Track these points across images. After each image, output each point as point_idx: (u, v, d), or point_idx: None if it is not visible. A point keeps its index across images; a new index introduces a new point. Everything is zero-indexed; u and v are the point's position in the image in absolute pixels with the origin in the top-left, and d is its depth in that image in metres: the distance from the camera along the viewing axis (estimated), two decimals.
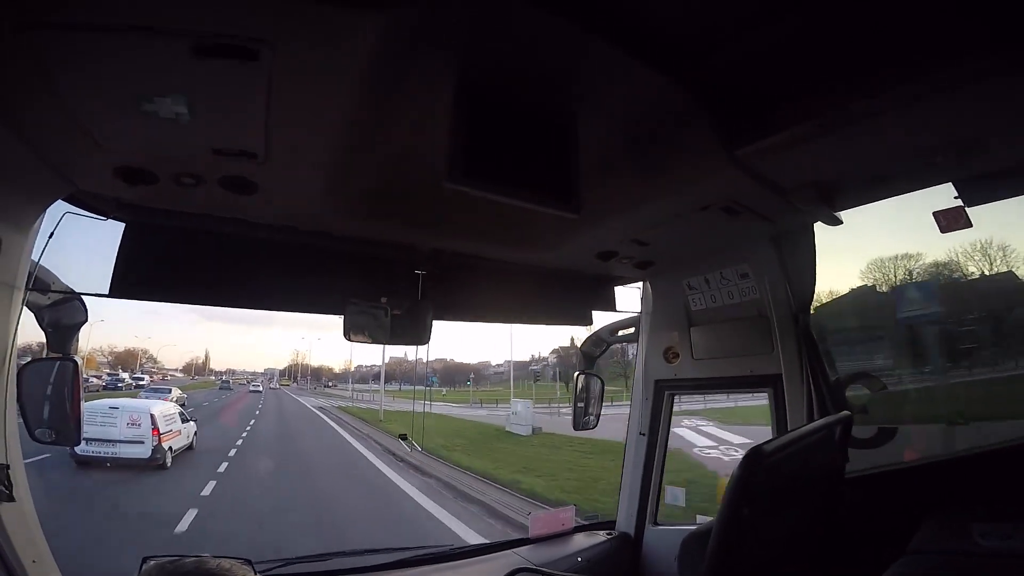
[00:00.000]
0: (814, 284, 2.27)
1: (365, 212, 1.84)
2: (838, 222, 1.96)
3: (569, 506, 2.93)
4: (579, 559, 2.56)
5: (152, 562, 1.05)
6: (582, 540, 2.77)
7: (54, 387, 1.75)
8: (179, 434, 14.25)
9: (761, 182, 1.69)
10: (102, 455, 11.90)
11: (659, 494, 2.78)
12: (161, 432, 12.74)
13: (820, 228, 2.17)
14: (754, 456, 1.18)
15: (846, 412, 1.72)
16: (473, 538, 8.03)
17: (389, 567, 2.27)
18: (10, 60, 1.03)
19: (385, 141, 1.41)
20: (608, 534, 2.82)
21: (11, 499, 1.61)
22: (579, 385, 2.99)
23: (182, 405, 19.38)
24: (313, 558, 2.24)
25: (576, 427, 2.95)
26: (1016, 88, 1.21)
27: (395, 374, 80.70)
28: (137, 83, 1.12)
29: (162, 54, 1.03)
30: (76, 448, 11.01)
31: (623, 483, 2.88)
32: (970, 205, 1.74)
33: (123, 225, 1.77)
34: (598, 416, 2.99)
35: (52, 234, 1.71)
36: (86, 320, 1.91)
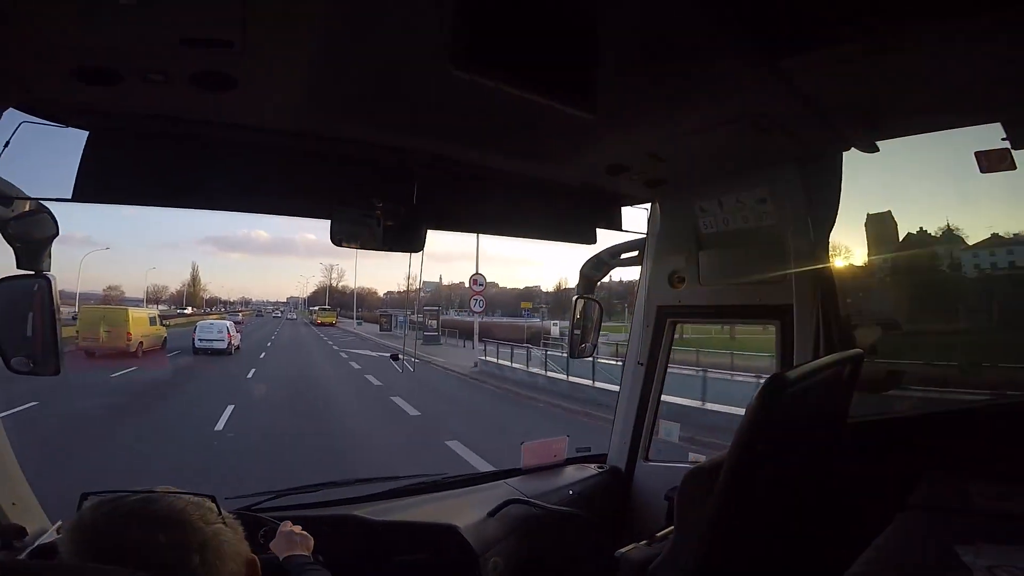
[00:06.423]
0: (836, 215, 2.12)
1: (358, 109, 1.70)
2: (875, 149, 1.83)
3: (562, 437, 2.86)
4: (570, 492, 2.54)
5: (92, 499, 0.91)
6: (573, 473, 2.74)
7: (28, 308, 1.63)
8: (237, 337, 28.29)
9: (798, 98, 1.55)
10: (207, 348, 25.50)
11: (653, 429, 2.72)
12: (232, 335, 27.11)
13: (849, 158, 2.00)
14: (775, 384, 1.06)
15: (859, 350, 1.62)
16: None
17: (380, 496, 2.27)
18: None
19: (379, 24, 1.24)
20: (599, 467, 2.78)
21: None
22: (577, 310, 2.87)
23: (239, 323, 43.64)
24: (301, 489, 2.20)
25: (573, 355, 2.89)
26: None
27: (439, 301, 72.33)
28: None
29: None
30: (196, 344, 25.63)
31: (616, 415, 2.82)
32: (1017, 147, 1.64)
33: (86, 133, 1.61)
34: (595, 345, 2.91)
35: (8, 143, 1.57)
36: (57, 233, 1.78)
